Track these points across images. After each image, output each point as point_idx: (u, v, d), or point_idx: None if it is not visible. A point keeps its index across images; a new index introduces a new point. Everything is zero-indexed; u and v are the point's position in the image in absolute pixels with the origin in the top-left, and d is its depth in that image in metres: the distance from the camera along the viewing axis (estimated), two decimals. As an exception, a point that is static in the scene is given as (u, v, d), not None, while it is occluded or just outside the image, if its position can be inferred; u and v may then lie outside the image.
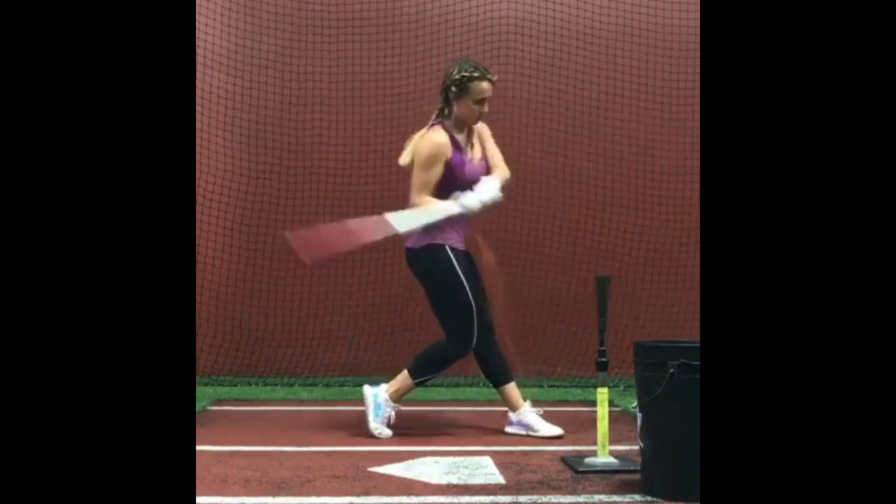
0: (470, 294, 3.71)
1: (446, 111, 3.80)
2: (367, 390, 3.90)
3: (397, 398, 3.87)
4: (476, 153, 3.84)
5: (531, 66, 5.92)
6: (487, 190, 3.70)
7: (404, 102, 5.85)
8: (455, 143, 3.74)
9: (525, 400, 3.89)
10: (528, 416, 3.83)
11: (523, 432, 3.81)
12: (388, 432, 3.79)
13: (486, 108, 3.79)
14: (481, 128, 3.91)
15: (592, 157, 5.94)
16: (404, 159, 3.82)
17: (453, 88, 3.75)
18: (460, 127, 3.81)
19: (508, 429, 3.88)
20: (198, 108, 5.38)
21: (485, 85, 3.74)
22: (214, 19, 5.78)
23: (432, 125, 3.80)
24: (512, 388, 3.87)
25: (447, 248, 3.73)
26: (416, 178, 3.74)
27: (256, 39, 5.86)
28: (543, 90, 5.92)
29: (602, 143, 5.97)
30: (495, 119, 5.99)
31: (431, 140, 3.75)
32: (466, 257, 3.81)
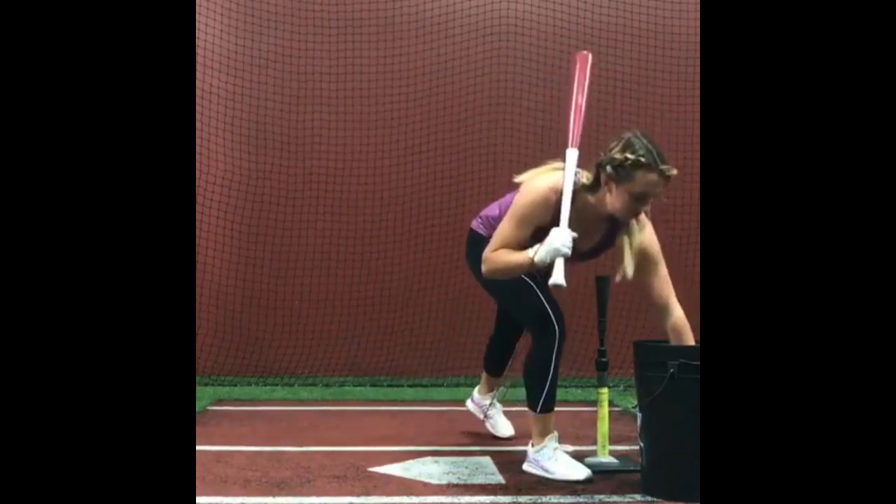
0: (531, 280, 3.11)
1: (593, 188, 2.98)
2: (526, 467, 3.14)
3: (545, 435, 3.12)
4: (588, 246, 3.08)
5: (531, 66, 5.93)
6: (558, 237, 2.84)
7: (404, 102, 5.86)
8: (571, 214, 2.89)
9: (494, 397, 3.81)
10: (493, 410, 3.81)
11: (480, 416, 3.81)
12: (576, 470, 3.01)
13: (647, 208, 2.93)
14: (651, 242, 3.06)
15: (593, 157, 5.93)
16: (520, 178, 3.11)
17: (608, 169, 2.89)
18: (594, 210, 2.99)
19: (468, 403, 3.86)
20: (198, 108, 5.38)
21: (654, 178, 2.84)
22: (214, 19, 5.78)
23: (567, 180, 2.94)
24: (491, 380, 3.79)
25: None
26: (502, 227, 3.02)
27: (256, 39, 5.86)
28: (543, 90, 5.93)
29: (602, 143, 5.95)
30: (495, 118, 6.05)
31: (534, 190, 2.98)
32: None
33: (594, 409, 3.22)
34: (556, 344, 3.06)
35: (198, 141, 5.39)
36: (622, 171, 2.85)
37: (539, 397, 3.10)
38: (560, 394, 5.20)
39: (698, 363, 2.56)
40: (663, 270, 3.06)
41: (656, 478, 2.77)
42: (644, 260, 3.01)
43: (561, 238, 2.83)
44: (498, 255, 2.98)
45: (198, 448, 2.89)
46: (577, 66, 3.11)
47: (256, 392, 5.27)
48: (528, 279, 3.11)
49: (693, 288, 5.19)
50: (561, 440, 3.15)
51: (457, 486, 2.87)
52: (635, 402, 2.91)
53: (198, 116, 5.39)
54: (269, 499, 2.70)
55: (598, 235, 3.08)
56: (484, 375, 3.85)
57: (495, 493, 2.78)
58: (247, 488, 2.82)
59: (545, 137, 5.93)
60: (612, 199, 2.90)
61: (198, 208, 5.38)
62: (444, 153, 5.91)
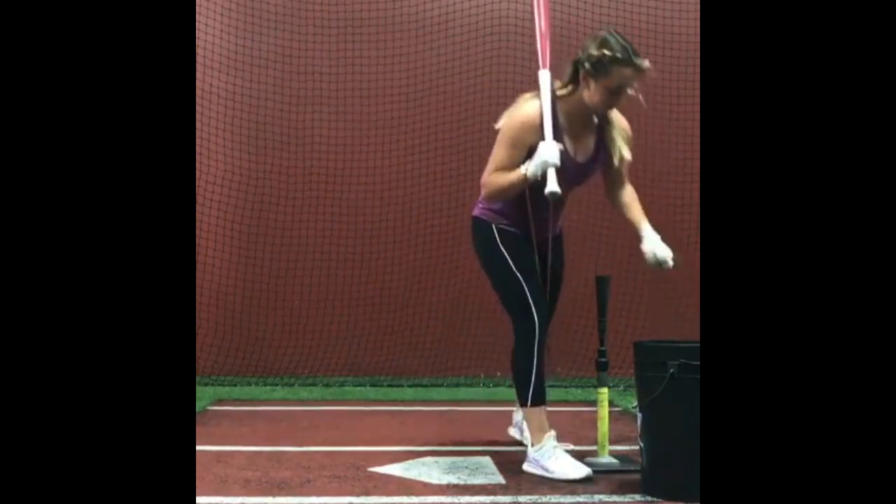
0: (518, 272, 3.19)
1: (570, 88, 3.17)
2: (526, 467, 3.16)
3: (542, 432, 3.13)
4: (586, 157, 3.24)
5: (531, 66, 5.91)
6: (545, 150, 2.99)
7: (405, 102, 5.86)
8: (556, 128, 3.06)
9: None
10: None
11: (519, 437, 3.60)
12: (576, 469, 3.02)
13: (621, 101, 3.14)
14: (625, 128, 3.29)
15: (592, 157, 5.93)
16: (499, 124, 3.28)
17: (587, 66, 3.08)
18: (578, 110, 3.16)
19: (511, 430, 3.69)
20: (198, 108, 5.38)
21: (628, 72, 3.03)
22: (214, 19, 5.78)
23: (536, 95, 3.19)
24: None
25: (494, 227, 3.27)
26: (494, 154, 3.21)
27: (256, 39, 5.86)
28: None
29: (602, 143, 5.96)
30: (495, 119, 6.03)
31: (518, 115, 3.17)
32: (529, 239, 3.24)
33: (594, 409, 3.22)
34: (537, 333, 3.14)
35: (198, 141, 5.38)
36: (599, 67, 3.04)
37: (527, 389, 3.15)
38: (560, 394, 5.27)
39: (698, 363, 2.56)
40: (629, 153, 3.30)
41: (656, 478, 2.77)
42: (612, 142, 3.25)
43: (548, 150, 2.98)
44: (494, 177, 3.15)
45: (198, 448, 2.88)
46: (539, 8, 3.40)
47: (256, 392, 5.27)
48: (516, 271, 3.21)
49: (693, 288, 5.20)
50: (561, 440, 3.15)
51: (457, 486, 2.87)
52: (635, 402, 2.91)
53: (198, 116, 5.39)
54: (269, 499, 2.70)
55: (591, 141, 3.23)
56: None
57: (495, 493, 2.78)
58: (247, 488, 2.82)
59: (545, 137, 5.93)
60: (591, 94, 3.09)
61: (198, 208, 5.38)
62: (444, 153, 5.90)
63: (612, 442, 3.24)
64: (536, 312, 3.16)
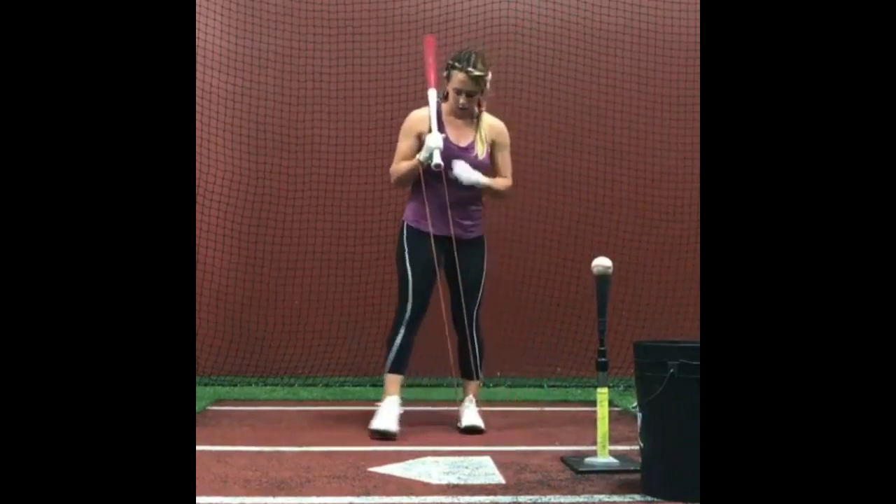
0: (409, 265, 3.89)
1: (446, 94, 3.91)
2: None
3: (385, 392, 3.97)
4: (466, 143, 3.89)
5: (531, 66, 5.93)
6: (430, 138, 3.75)
7: (405, 102, 5.84)
8: (440, 123, 3.82)
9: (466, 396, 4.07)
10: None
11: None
12: (380, 421, 3.80)
13: (462, 100, 3.83)
14: (498, 132, 3.99)
15: (592, 157, 5.95)
16: None
17: (444, 72, 3.87)
18: (456, 114, 3.90)
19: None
20: (198, 108, 5.38)
21: (461, 76, 3.79)
22: (214, 19, 5.77)
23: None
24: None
25: (405, 224, 3.98)
26: (397, 149, 3.96)
27: (256, 39, 5.85)
28: (543, 90, 5.92)
29: (602, 143, 5.97)
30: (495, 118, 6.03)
31: (409, 115, 3.97)
32: (430, 240, 3.85)
33: (594, 409, 3.22)
34: (406, 318, 3.89)
35: (198, 141, 5.38)
36: (447, 73, 3.86)
37: (388, 358, 3.96)
38: (560, 394, 5.27)
39: (698, 363, 2.56)
40: (508, 156, 4.03)
41: (656, 478, 2.77)
42: (495, 144, 3.97)
43: (432, 138, 3.76)
44: (395, 166, 3.93)
45: (198, 448, 2.88)
46: (427, 46, 4.03)
47: (256, 392, 5.27)
48: (409, 274, 3.89)
49: (693, 288, 5.21)
50: (561, 440, 3.17)
51: (457, 486, 2.87)
52: (635, 402, 2.91)
53: (198, 116, 5.38)
54: (269, 499, 2.69)
55: (470, 133, 3.93)
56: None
57: (495, 493, 2.78)
58: (247, 488, 2.82)
59: (545, 137, 5.93)
60: (449, 100, 3.90)
61: (198, 208, 5.37)
62: (444, 153, 5.90)
63: (612, 442, 3.23)
64: (412, 302, 3.89)
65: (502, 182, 3.98)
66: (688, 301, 5.59)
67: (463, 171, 3.80)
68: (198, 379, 5.09)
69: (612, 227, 5.87)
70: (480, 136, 3.92)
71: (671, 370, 2.67)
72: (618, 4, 5.96)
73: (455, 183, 3.82)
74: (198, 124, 5.37)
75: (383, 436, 3.71)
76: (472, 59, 3.79)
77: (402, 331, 3.90)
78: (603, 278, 3.31)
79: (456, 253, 3.90)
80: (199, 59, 5.36)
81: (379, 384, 5.51)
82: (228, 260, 5.79)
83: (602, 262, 3.32)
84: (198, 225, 5.31)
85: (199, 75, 5.32)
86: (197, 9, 5.36)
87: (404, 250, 3.94)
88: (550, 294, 5.82)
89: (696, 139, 5.31)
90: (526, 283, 5.84)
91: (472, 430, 3.89)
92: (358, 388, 5.39)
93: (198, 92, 5.35)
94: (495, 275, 5.85)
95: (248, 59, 5.84)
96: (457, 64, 3.80)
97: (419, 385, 5.49)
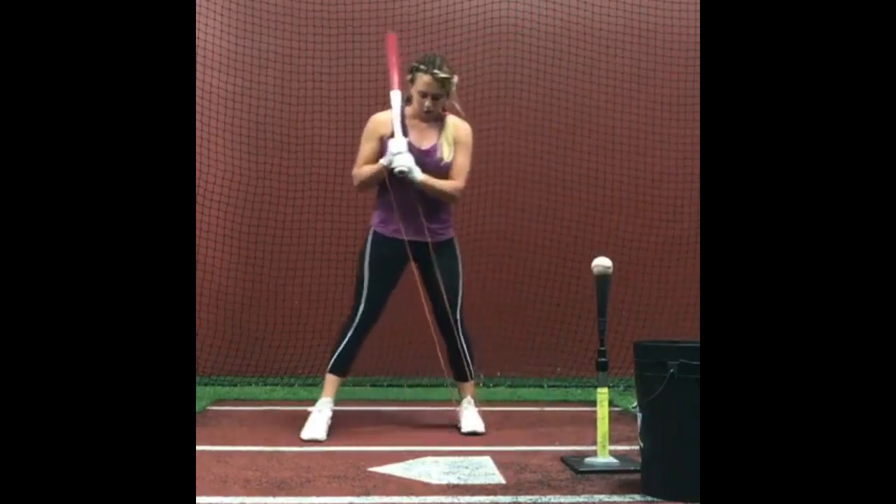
0: (367, 273, 3.91)
1: (410, 99, 3.90)
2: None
3: (324, 392, 3.97)
4: (429, 146, 3.86)
5: (531, 66, 5.93)
6: (393, 143, 3.74)
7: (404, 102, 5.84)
8: (403, 127, 3.80)
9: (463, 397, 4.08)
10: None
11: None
12: (308, 430, 3.77)
13: (428, 103, 3.81)
14: (461, 133, 3.94)
15: (592, 157, 5.95)
16: None
17: (407, 76, 3.88)
18: (419, 116, 3.89)
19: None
20: (198, 108, 5.37)
21: (426, 78, 3.78)
22: (214, 19, 5.77)
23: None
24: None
25: (371, 229, 3.99)
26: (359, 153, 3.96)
27: (256, 39, 5.85)
28: (543, 90, 5.93)
29: (602, 143, 5.97)
30: (495, 118, 6.04)
31: (372, 118, 3.97)
32: (396, 246, 3.86)
33: (594, 409, 3.22)
34: (355, 323, 3.91)
35: (198, 141, 5.37)
36: (412, 77, 3.84)
37: (332, 358, 3.96)
38: (560, 394, 5.27)
39: (698, 363, 2.56)
40: (464, 158, 3.94)
41: (656, 478, 2.77)
42: (455, 144, 3.93)
43: (396, 143, 3.75)
44: (358, 170, 3.92)
45: (198, 448, 2.89)
46: (389, 45, 4.02)
47: (256, 392, 5.27)
48: (366, 278, 3.91)
49: (693, 288, 5.21)
50: (561, 440, 3.16)
51: (457, 486, 2.87)
52: (635, 402, 2.91)
53: (198, 116, 5.38)
54: (269, 499, 2.70)
55: (434, 135, 3.90)
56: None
57: (495, 493, 2.78)
58: (247, 488, 2.82)
59: (545, 137, 5.93)
60: (414, 103, 3.87)
61: (198, 208, 5.37)
62: (444, 153, 5.90)
63: (612, 442, 3.23)
64: (364, 305, 3.91)
65: (447, 183, 3.87)
66: (688, 301, 5.58)
67: (402, 161, 3.72)
68: (198, 379, 5.09)
69: (612, 227, 5.86)
70: (446, 138, 3.90)
71: (671, 370, 2.68)
72: (618, 4, 5.96)
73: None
74: (198, 124, 5.36)
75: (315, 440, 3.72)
76: (437, 61, 3.81)
77: (349, 334, 3.91)
78: (603, 278, 3.31)
79: (433, 256, 3.88)
80: (199, 59, 5.36)
81: (379, 384, 5.55)
82: (228, 260, 5.79)
83: (602, 262, 3.32)
84: (198, 225, 5.31)
85: (199, 75, 5.32)
86: (197, 9, 5.36)
87: (366, 254, 3.94)
88: (550, 294, 5.82)
89: (696, 139, 5.31)
90: (526, 283, 5.83)
91: (473, 434, 3.89)
92: (358, 389, 5.39)
93: (198, 92, 5.35)
94: (495, 275, 5.88)
95: (248, 59, 5.84)
96: (422, 66, 3.80)
97: (419, 385, 5.50)
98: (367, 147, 3.89)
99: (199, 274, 5.31)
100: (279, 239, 5.81)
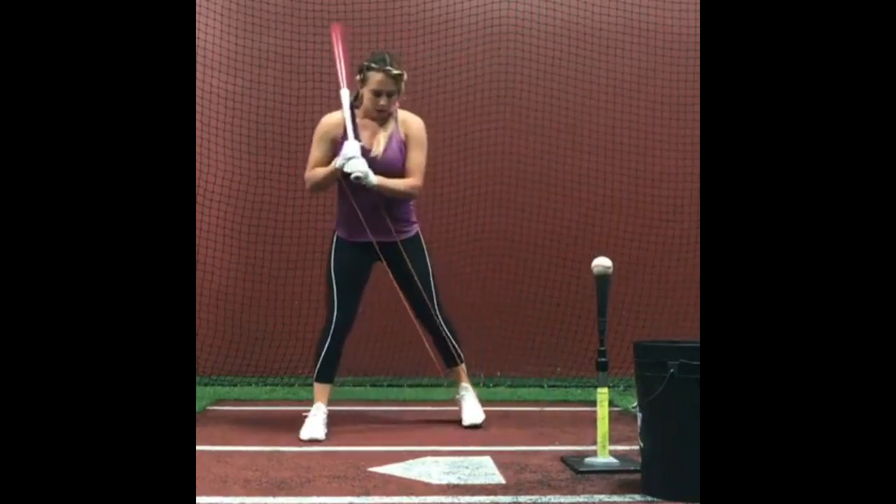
0: (334, 280, 3.94)
1: (359, 97, 3.87)
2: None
3: (315, 399, 3.98)
4: (380, 147, 3.84)
5: (531, 66, 5.92)
6: (346, 146, 3.72)
7: (404, 103, 5.84)
8: (355, 129, 3.77)
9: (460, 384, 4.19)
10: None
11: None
12: (307, 431, 3.77)
13: (382, 101, 3.79)
14: (413, 128, 3.92)
15: (592, 157, 5.94)
16: None
17: (357, 75, 3.85)
18: (370, 115, 3.86)
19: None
20: (198, 108, 5.37)
21: (380, 76, 3.76)
22: (214, 19, 5.77)
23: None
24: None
25: (335, 234, 4.01)
26: (309, 156, 3.94)
27: (256, 39, 5.85)
28: (543, 90, 5.92)
29: (602, 143, 5.96)
30: (495, 118, 6.05)
31: (322, 119, 3.95)
32: (360, 248, 3.91)
33: (594, 409, 3.22)
34: (332, 327, 3.93)
35: (198, 141, 5.37)
36: (363, 76, 3.81)
37: (315, 366, 3.99)
38: (560, 394, 5.27)
39: (698, 363, 2.56)
40: (418, 154, 3.90)
41: (656, 478, 2.77)
42: (407, 139, 3.90)
43: (349, 146, 3.72)
44: (310, 173, 3.89)
45: (198, 448, 2.88)
46: (334, 37, 4.01)
47: (256, 392, 5.27)
48: (334, 285, 3.94)
49: (693, 288, 5.21)
50: (561, 440, 3.16)
51: (457, 486, 2.87)
52: (635, 402, 2.90)
53: (198, 116, 5.38)
54: (269, 499, 2.70)
55: (387, 140, 3.87)
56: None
57: (495, 493, 2.78)
58: (247, 488, 2.82)
59: (545, 137, 5.93)
60: (365, 102, 3.84)
61: (198, 208, 5.37)
62: (444, 152, 5.90)
63: (612, 442, 3.23)
64: (336, 312, 3.93)
65: (403, 182, 3.86)
66: (688, 301, 5.58)
67: (355, 167, 3.70)
68: (198, 379, 5.08)
69: (612, 227, 5.86)
70: (386, 134, 3.87)
71: (671, 370, 2.67)
72: (618, 4, 5.95)
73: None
74: (198, 124, 5.36)
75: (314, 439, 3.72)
76: (388, 59, 3.80)
77: (328, 342, 3.93)
78: (603, 278, 3.31)
79: (404, 255, 3.92)
80: (199, 59, 5.36)
81: (379, 384, 5.55)
82: (228, 260, 5.79)
83: (602, 262, 3.32)
84: (198, 225, 5.31)
85: (199, 75, 5.31)
86: (197, 9, 5.36)
87: (330, 262, 3.97)
88: (550, 294, 5.82)
89: (696, 139, 5.30)
90: (526, 283, 5.83)
91: (473, 427, 3.97)
92: (358, 389, 5.39)
93: (198, 92, 5.35)
94: (495, 275, 5.88)
95: (248, 59, 5.84)
96: (373, 65, 3.77)
97: (419, 385, 5.50)
98: (318, 150, 3.87)
99: (199, 274, 5.30)
100: (279, 239, 5.80)
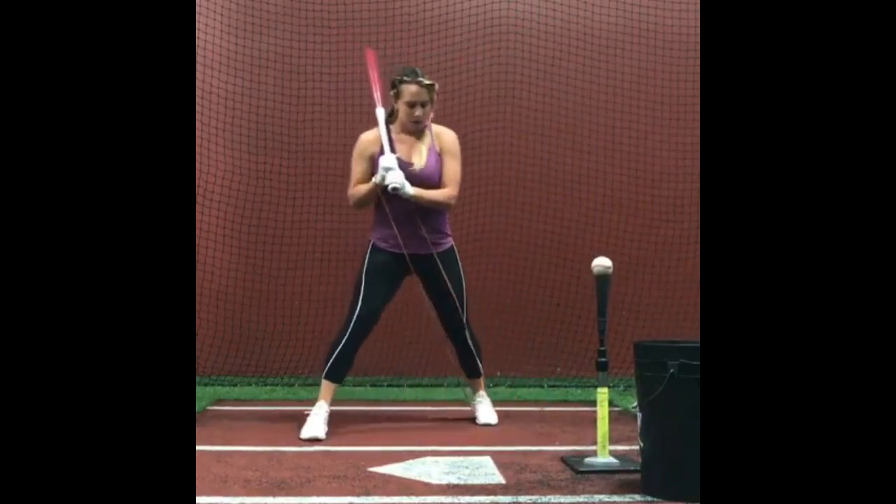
0: (364, 280, 3.94)
1: (393, 113, 3.97)
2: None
3: (321, 396, 3.98)
4: (422, 161, 3.92)
5: (531, 66, 5.93)
6: (383, 160, 3.78)
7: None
8: (391, 143, 3.84)
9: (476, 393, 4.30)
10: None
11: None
12: (308, 430, 3.77)
13: (417, 112, 3.88)
14: (447, 141, 3.99)
15: (592, 157, 5.94)
16: None
17: (391, 91, 3.94)
18: (406, 130, 3.95)
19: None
20: (198, 108, 5.37)
21: (413, 88, 3.86)
22: (214, 19, 5.77)
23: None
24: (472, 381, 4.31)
25: (371, 242, 4.03)
26: (351, 174, 4.02)
27: (256, 39, 5.85)
28: (543, 90, 5.93)
29: (602, 143, 5.97)
30: (495, 118, 6.05)
31: (360, 137, 4.00)
32: (395, 257, 3.95)
33: (594, 409, 3.22)
34: (352, 322, 3.92)
35: (198, 141, 5.37)
36: (396, 90, 3.92)
37: (327, 363, 3.97)
38: (560, 394, 5.27)
39: (698, 363, 2.56)
40: (454, 165, 3.98)
41: (656, 478, 2.77)
42: (442, 152, 3.98)
43: (386, 160, 3.79)
44: (355, 190, 3.96)
45: (198, 448, 2.89)
46: (369, 62, 4.15)
47: (256, 392, 5.27)
48: (363, 285, 3.94)
49: (693, 288, 5.21)
50: (561, 440, 3.17)
51: (457, 486, 2.87)
52: (635, 402, 2.90)
53: (198, 116, 5.38)
54: (269, 499, 2.70)
55: (425, 153, 3.96)
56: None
57: (495, 493, 2.78)
58: (247, 488, 2.82)
59: (545, 137, 5.93)
60: (401, 115, 3.93)
61: (198, 208, 5.37)
62: (444, 153, 5.90)
63: (612, 442, 3.23)
64: (360, 307, 3.92)
65: (440, 193, 3.93)
66: (688, 301, 5.58)
67: (393, 178, 3.77)
68: (198, 379, 5.08)
69: (612, 227, 5.86)
70: (424, 147, 3.95)
71: (671, 370, 2.68)
72: (618, 4, 5.96)
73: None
74: (198, 124, 5.36)
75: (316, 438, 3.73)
76: (418, 71, 3.92)
77: (344, 341, 3.92)
78: (603, 278, 3.31)
79: (440, 267, 3.97)
80: (199, 59, 5.36)
81: (379, 384, 5.55)
82: (228, 260, 5.79)
83: (602, 262, 3.32)
84: (198, 225, 5.31)
85: (199, 75, 5.31)
86: (197, 9, 5.36)
87: (364, 264, 4.00)
88: (550, 294, 5.82)
89: (696, 139, 5.30)
90: (526, 283, 5.83)
91: (487, 426, 4.11)
92: (358, 389, 5.39)
93: (198, 92, 5.35)
94: (495, 275, 5.88)
95: (248, 59, 5.84)
96: (405, 77, 3.88)
97: (419, 385, 5.50)
98: (358, 167, 3.95)
99: (199, 274, 5.31)
100: (279, 239, 5.81)
